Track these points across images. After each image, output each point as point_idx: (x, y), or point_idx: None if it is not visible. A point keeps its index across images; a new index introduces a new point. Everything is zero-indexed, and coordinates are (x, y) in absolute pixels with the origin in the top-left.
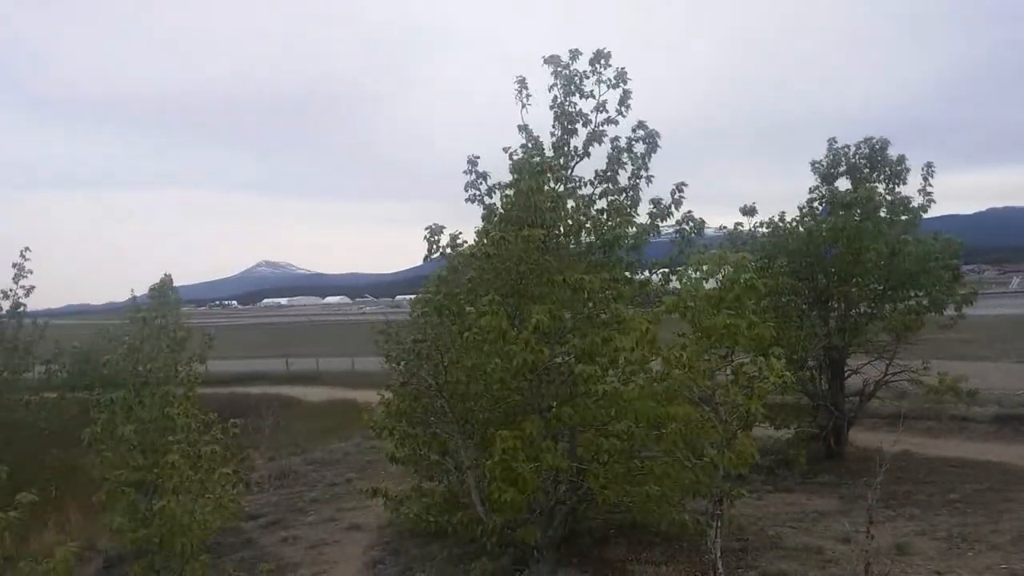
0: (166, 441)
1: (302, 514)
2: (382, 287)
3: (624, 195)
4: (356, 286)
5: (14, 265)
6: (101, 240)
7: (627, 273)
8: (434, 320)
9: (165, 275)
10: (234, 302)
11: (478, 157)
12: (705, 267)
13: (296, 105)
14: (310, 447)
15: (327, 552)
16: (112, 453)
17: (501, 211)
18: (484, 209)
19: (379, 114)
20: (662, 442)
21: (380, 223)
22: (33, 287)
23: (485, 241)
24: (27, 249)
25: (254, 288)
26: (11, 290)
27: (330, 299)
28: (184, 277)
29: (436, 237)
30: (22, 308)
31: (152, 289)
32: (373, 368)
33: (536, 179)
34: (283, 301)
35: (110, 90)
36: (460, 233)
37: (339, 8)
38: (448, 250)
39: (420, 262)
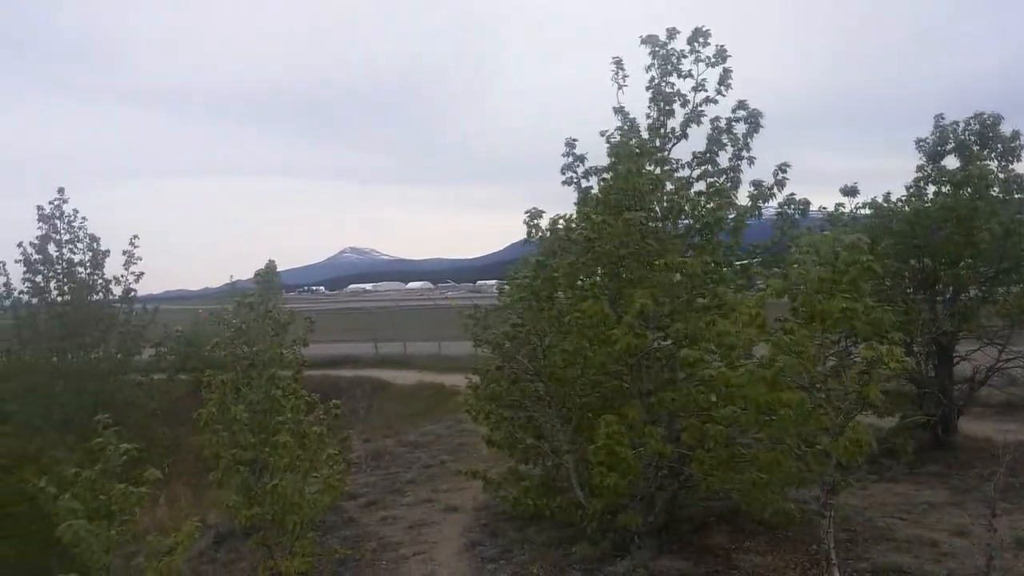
0: (275, 422)
1: (399, 495)
2: (464, 272)
3: (724, 177)
4: (439, 271)
5: (124, 252)
6: (195, 227)
7: (728, 256)
8: (532, 305)
9: (270, 261)
10: (322, 287)
11: (575, 140)
12: (818, 250)
13: (383, 91)
14: (403, 429)
15: (426, 533)
16: (226, 433)
17: (599, 195)
18: (579, 192)
19: (464, 99)
20: (770, 429)
21: (462, 208)
22: (142, 273)
23: (584, 225)
24: (136, 237)
25: (341, 274)
26: (122, 276)
27: (413, 284)
28: (279, 261)
29: (535, 221)
30: (133, 293)
31: (258, 274)
32: (460, 352)
33: (635, 162)
34: (368, 287)
35: (208, 83)
36: (560, 217)
37: None
38: (547, 234)
39: (501, 247)
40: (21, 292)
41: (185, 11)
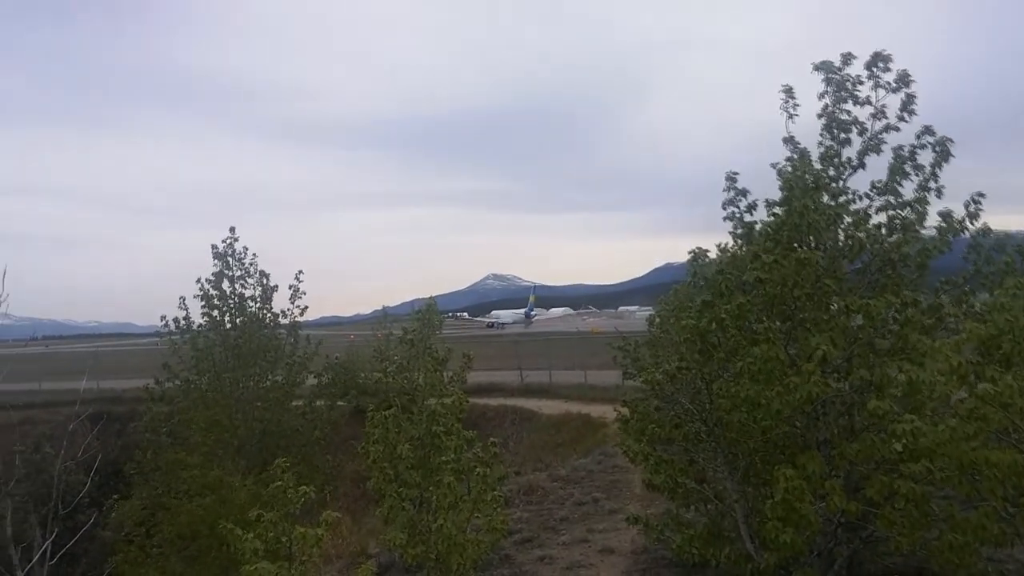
0: (438, 461)
1: (554, 533)
2: (604, 298)
3: (908, 209)
4: (579, 297)
5: (290, 287)
6: (346, 256)
7: (914, 295)
8: (697, 346)
9: (430, 299)
10: (465, 313)
11: (737, 174)
12: None
13: (531, 120)
14: (553, 462)
15: (583, 575)
16: (391, 470)
17: (769, 230)
18: (742, 228)
19: (608, 127)
20: (972, 488)
21: (604, 234)
22: (307, 307)
23: (754, 265)
24: (300, 272)
25: (483, 300)
26: (288, 309)
27: (554, 310)
28: (419, 290)
29: (699, 261)
30: (298, 327)
31: (418, 312)
32: (606, 382)
33: (810, 196)
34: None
35: (358, 116)
36: (727, 252)
37: (574, 19)
38: (711, 270)
39: (642, 273)
40: (199, 326)
41: (333, 48)
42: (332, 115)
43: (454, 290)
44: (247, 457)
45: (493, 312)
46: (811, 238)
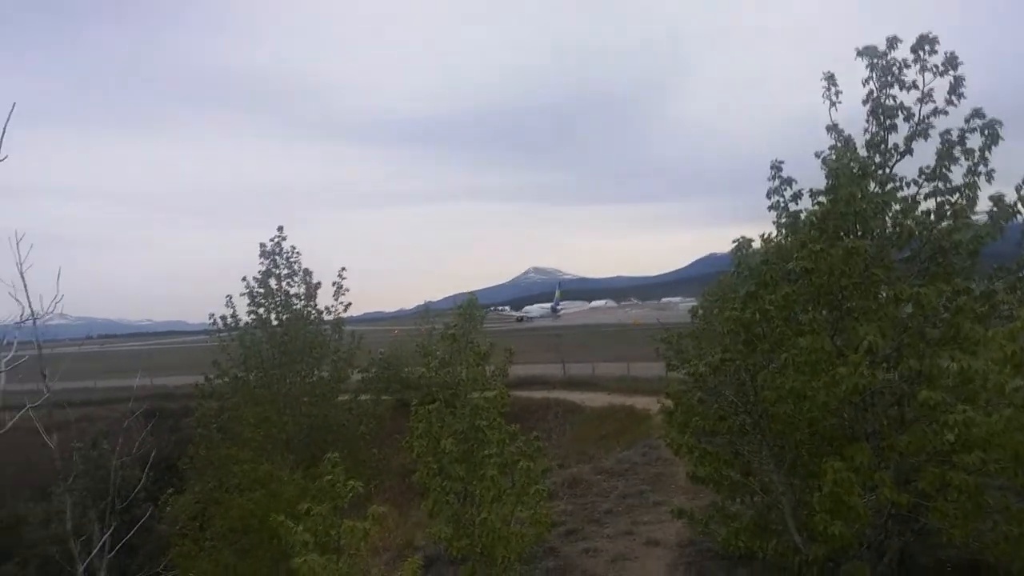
0: (482, 455)
1: (599, 525)
2: (648, 289)
3: (958, 195)
4: (621, 289)
5: (333, 284)
6: (388, 252)
7: (965, 282)
8: (741, 337)
9: (471, 295)
10: (507, 307)
11: (782, 162)
12: None
13: (565, 112)
14: (597, 454)
15: (629, 568)
16: (436, 464)
17: (814, 219)
18: (787, 217)
19: (649, 118)
20: None
21: (645, 226)
22: (350, 303)
23: (800, 255)
24: (343, 269)
25: (524, 294)
26: (332, 306)
27: (596, 303)
28: (461, 284)
29: (743, 251)
30: (342, 324)
31: (459, 307)
32: (649, 374)
33: (857, 184)
34: (549, 306)
35: (400, 112)
36: (772, 242)
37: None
38: (756, 260)
39: (684, 264)
40: (247, 323)
41: (380, 46)
42: (372, 111)
43: (496, 284)
44: (295, 452)
45: (525, 308)
46: (858, 227)
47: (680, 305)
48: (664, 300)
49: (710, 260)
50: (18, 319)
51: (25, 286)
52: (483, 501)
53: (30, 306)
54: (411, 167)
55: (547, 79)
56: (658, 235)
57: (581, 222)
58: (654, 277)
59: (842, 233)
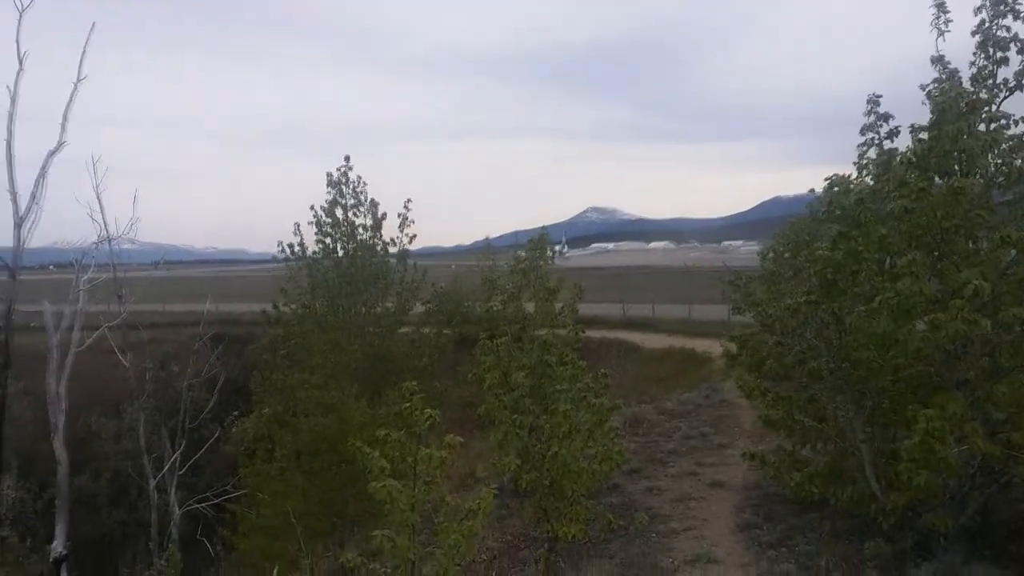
0: (553, 390)
1: (662, 465)
2: (709, 232)
3: None
4: (682, 230)
5: (399, 215)
6: (446, 187)
7: None
8: (829, 280)
9: (542, 230)
10: (566, 247)
11: (879, 96)
12: None
13: (627, 49)
14: (658, 395)
15: (694, 508)
16: (506, 397)
17: (912, 157)
18: (881, 155)
19: (716, 55)
20: None
21: (708, 166)
22: (415, 235)
23: (898, 193)
24: (409, 201)
25: (582, 233)
26: (398, 237)
27: (655, 244)
28: (519, 223)
29: (835, 188)
30: (407, 255)
31: (530, 242)
32: (711, 317)
33: (964, 120)
34: (610, 246)
35: (461, 48)
36: (863, 181)
37: None
38: (849, 202)
39: (748, 206)
40: (314, 252)
41: None
42: (434, 46)
43: (554, 223)
44: (360, 380)
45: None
46: (957, 167)
47: (741, 249)
48: (725, 243)
49: (775, 204)
50: (95, 241)
51: (102, 208)
52: (554, 436)
53: (106, 228)
54: (473, 103)
55: (612, 15)
56: (721, 177)
57: (641, 162)
58: (715, 219)
59: (947, 172)
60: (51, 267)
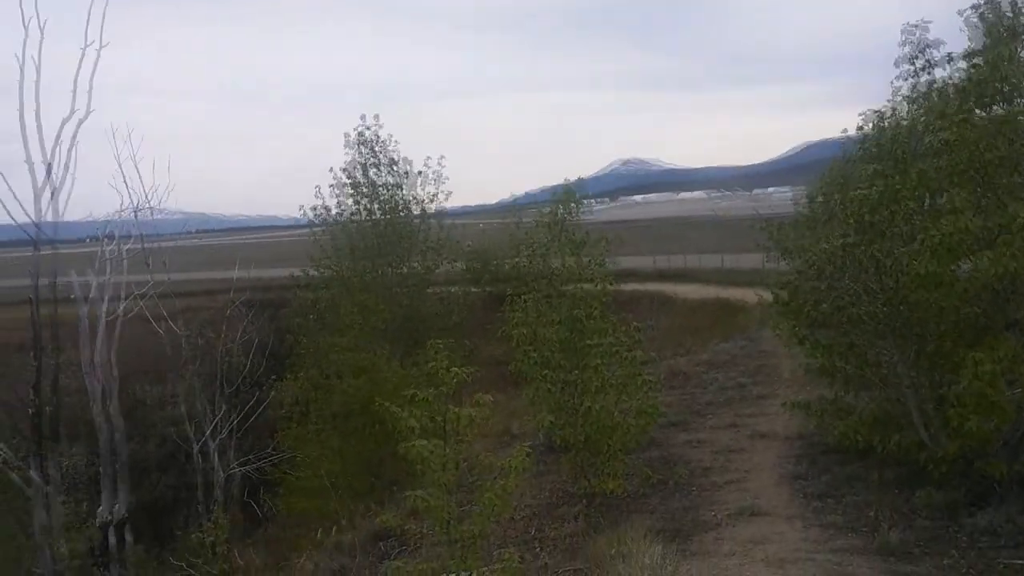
0: (583, 345)
1: (701, 417)
2: (743, 179)
3: None
4: (714, 180)
5: (432, 172)
6: (472, 144)
7: None
8: (866, 220)
9: (569, 182)
10: (593, 201)
11: (916, 24)
12: None
13: None
14: (694, 347)
15: (735, 459)
16: (535, 353)
17: (953, 86)
18: (918, 89)
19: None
20: None
21: (735, 112)
22: (451, 192)
23: (939, 124)
24: (443, 157)
25: (614, 186)
26: (432, 195)
27: (684, 195)
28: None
29: (873, 126)
30: (438, 214)
31: (557, 196)
32: (745, 265)
33: (1007, 45)
34: (638, 198)
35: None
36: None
37: None
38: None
39: (780, 153)
40: (351, 212)
41: None
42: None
43: (585, 175)
44: (391, 341)
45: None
46: (1003, 95)
47: (774, 196)
48: (756, 191)
49: (810, 150)
50: (131, 209)
51: (140, 177)
52: (586, 391)
53: (145, 195)
54: (498, 55)
55: None
56: (753, 122)
57: (673, 109)
58: (747, 167)
59: (990, 103)
60: (87, 239)
